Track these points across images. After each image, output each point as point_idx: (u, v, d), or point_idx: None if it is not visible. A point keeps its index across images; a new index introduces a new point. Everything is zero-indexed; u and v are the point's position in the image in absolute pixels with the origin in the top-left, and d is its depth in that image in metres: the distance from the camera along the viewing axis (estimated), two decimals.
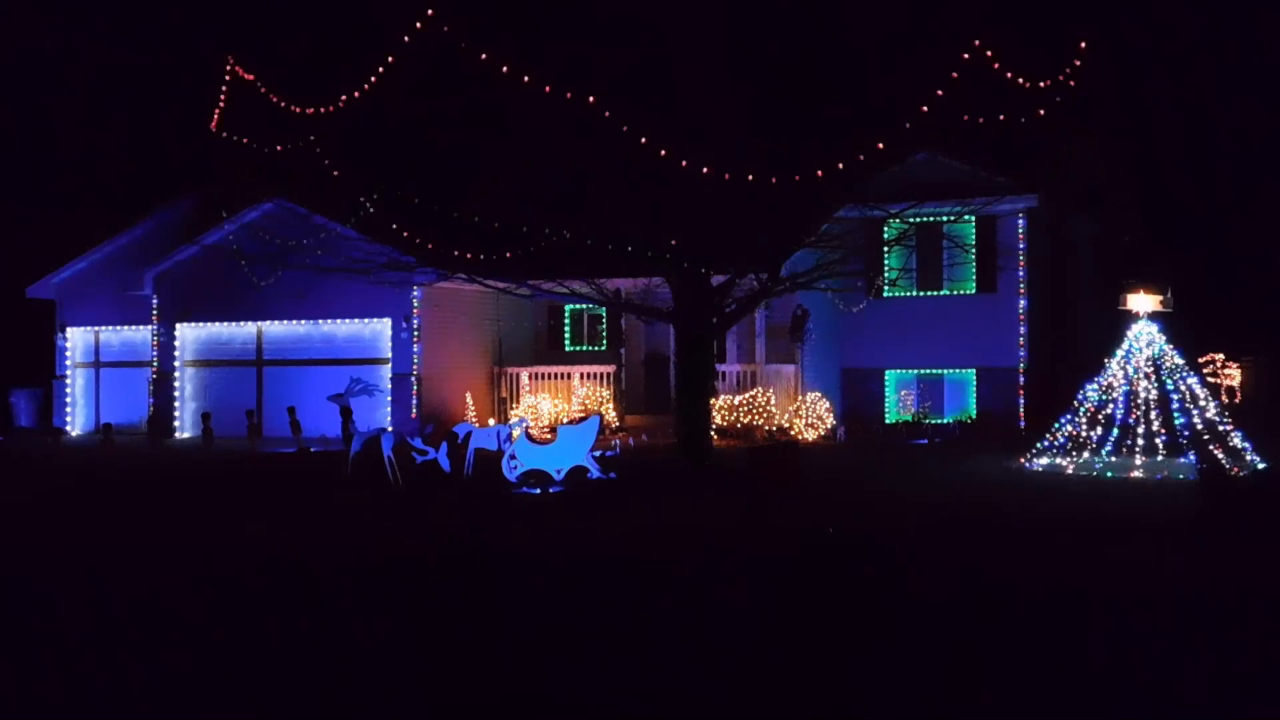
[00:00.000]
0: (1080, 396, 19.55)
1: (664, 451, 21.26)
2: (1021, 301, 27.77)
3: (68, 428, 30.29)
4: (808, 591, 10.23)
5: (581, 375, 27.14)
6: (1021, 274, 27.67)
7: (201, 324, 28.35)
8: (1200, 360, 32.30)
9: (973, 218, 26.35)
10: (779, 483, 15.88)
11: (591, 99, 16.73)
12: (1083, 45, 17.07)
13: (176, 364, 28.37)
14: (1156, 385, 18.89)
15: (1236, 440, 18.53)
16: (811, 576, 10.82)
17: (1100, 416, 19.25)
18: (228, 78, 18.52)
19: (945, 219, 26.22)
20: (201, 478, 19.58)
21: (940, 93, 17.01)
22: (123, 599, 10.28)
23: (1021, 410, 27.33)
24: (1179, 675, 7.73)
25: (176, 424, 28.07)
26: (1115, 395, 19.11)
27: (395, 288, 22.95)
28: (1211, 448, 17.88)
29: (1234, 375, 34.75)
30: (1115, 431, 19.03)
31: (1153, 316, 19.44)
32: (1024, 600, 9.71)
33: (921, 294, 28.64)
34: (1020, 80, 16.87)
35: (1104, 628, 8.93)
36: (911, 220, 23.61)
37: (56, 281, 30.73)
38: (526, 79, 16.70)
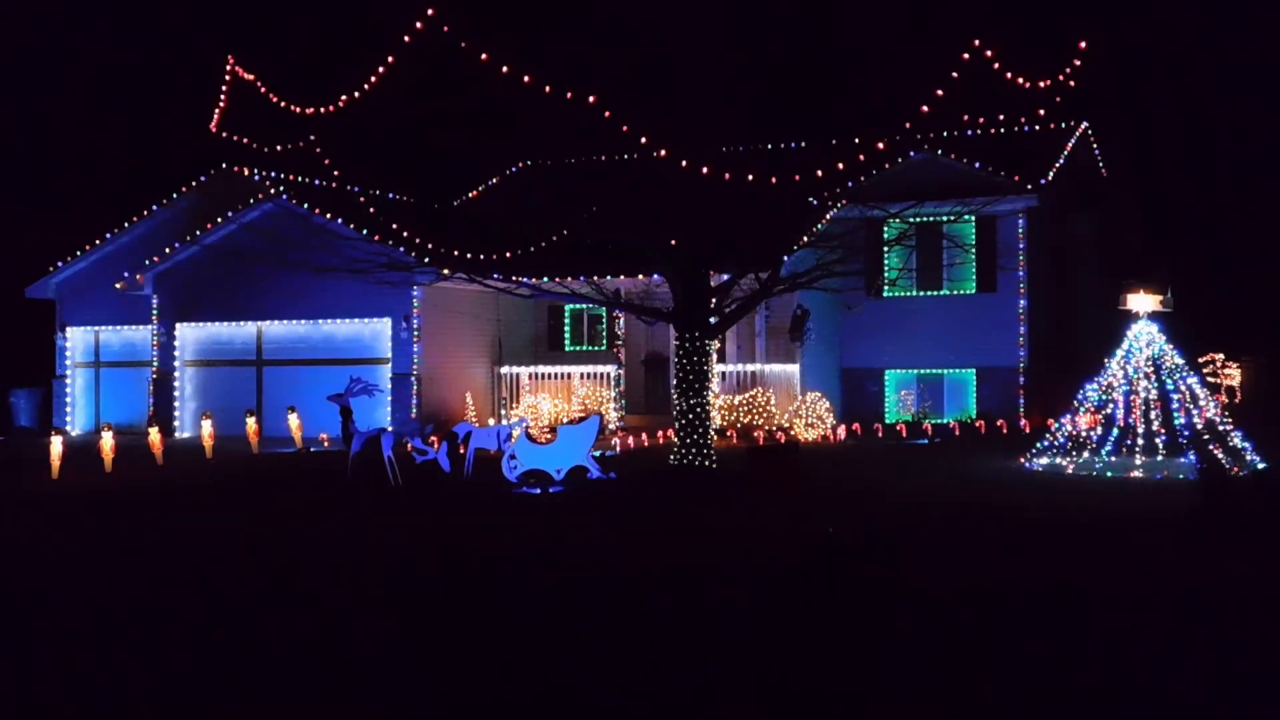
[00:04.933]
0: (1080, 396, 19.55)
1: (664, 451, 21.26)
2: (1021, 301, 27.76)
3: (68, 428, 30.28)
4: (808, 591, 10.23)
5: (581, 375, 27.14)
6: (1021, 274, 27.67)
7: (201, 324, 28.33)
8: (1200, 360, 32.28)
9: (973, 218, 26.36)
10: (779, 483, 15.88)
11: (591, 99, 16.72)
12: (1083, 45, 17.06)
13: (176, 364, 28.36)
14: (1156, 385, 18.89)
15: (1236, 440, 18.53)
16: (811, 576, 10.82)
17: (1100, 416, 19.25)
18: (228, 78, 18.53)
19: (945, 219, 26.22)
20: (201, 478, 19.57)
21: (940, 93, 17.01)
22: (123, 599, 10.28)
23: (1021, 410, 27.32)
24: (1179, 675, 7.74)
25: (176, 424, 28.06)
26: (1115, 395, 19.11)
27: (395, 288, 22.94)
28: (1211, 448, 17.88)
29: (1234, 375, 34.73)
30: (1115, 431, 19.03)
31: (1153, 316, 19.44)
32: (1024, 600, 9.71)
33: (921, 294, 28.64)
34: (1020, 80, 16.86)
35: (1104, 628, 8.94)
36: (911, 220, 23.62)
37: (56, 281, 30.70)
38: (526, 79, 16.70)
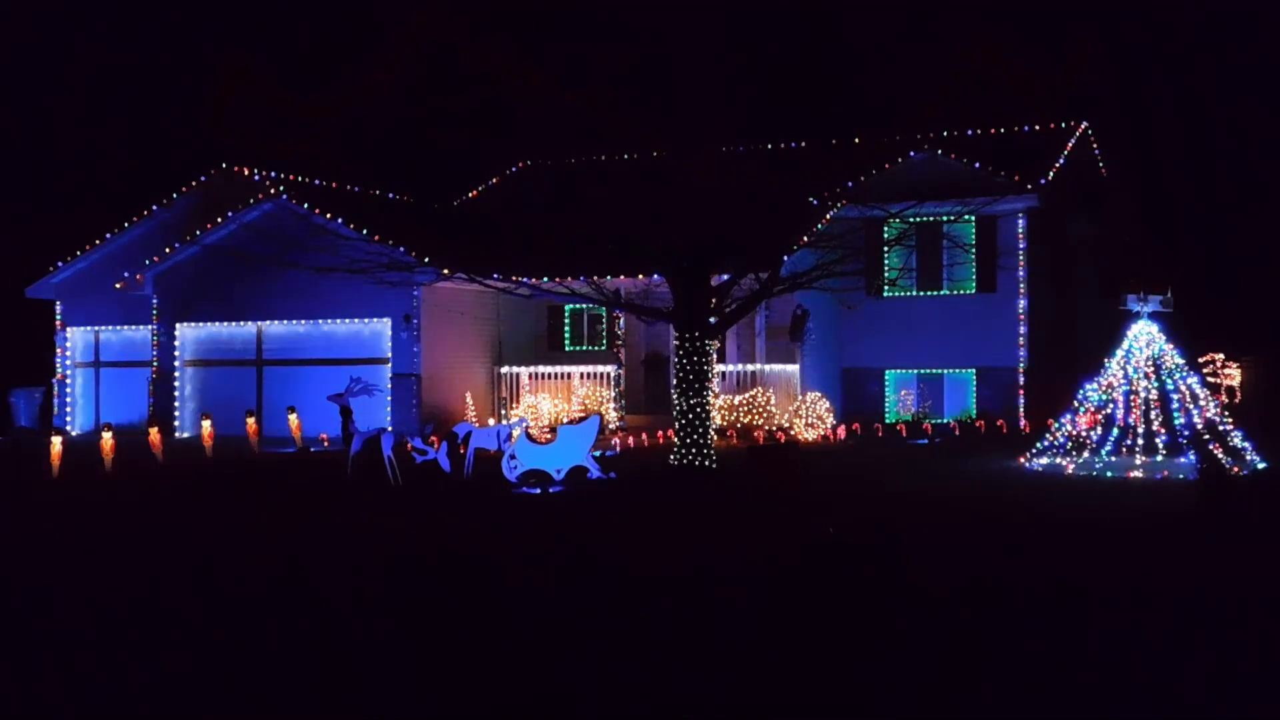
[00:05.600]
0: (1080, 396, 19.56)
1: (664, 451, 21.26)
2: (1021, 301, 27.77)
3: (68, 427, 30.27)
4: (807, 591, 10.23)
5: (581, 375, 27.14)
6: (1021, 274, 27.68)
7: (201, 324, 28.33)
8: (1200, 360, 32.28)
9: (973, 218, 26.36)
10: (779, 482, 15.88)
11: (591, 99, 16.73)
12: (1083, 45, 17.06)
13: (176, 364, 28.37)
14: (1156, 385, 18.89)
15: (1236, 440, 18.53)
16: (811, 576, 10.82)
17: (1100, 416, 19.25)
18: (228, 78, 18.51)
19: (945, 219, 26.22)
20: (201, 478, 19.57)
21: (940, 93, 17.00)
22: (123, 599, 10.28)
23: (1021, 410, 27.32)
24: (1179, 675, 7.74)
25: (176, 424, 28.06)
26: (1115, 395, 19.11)
27: (395, 288, 22.94)
28: (1211, 447, 17.88)
29: (1234, 375, 34.73)
30: (1115, 431, 19.04)
31: (1153, 316, 19.44)
32: (1024, 600, 9.71)
33: (921, 294, 28.64)
34: (1020, 80, 16.86)
35: (1104, 628, 8.94)
36: (911, 220, 23.62)
37: (56, 281, 30.69)
38: (526, 79, 16.70)
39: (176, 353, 28.39)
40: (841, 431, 25.82)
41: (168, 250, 27.96)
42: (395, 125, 19.39)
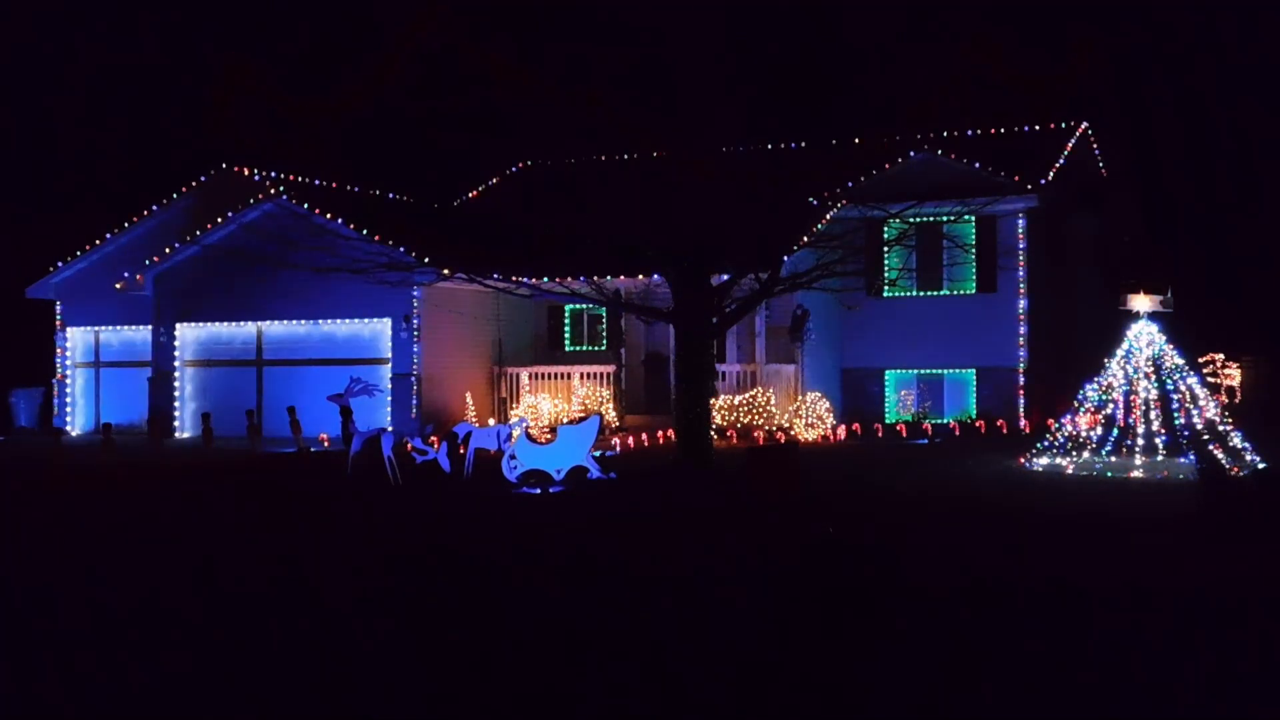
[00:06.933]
0: (1080, 396, 19.56)
1: (664, 451, 21.26)
2: (1021, 301, 27.76)
3: (68, 428, 30.27)
4: (808, 591, 10.23)
5: (581, 375, 27.13)
6: (1021, 274, 27.68)
7: (201, 324, 28.32)
8: (1200, 360, 32.30)
9: (973, 218, 26.35)
10: (779, 483, 15.87)
11: (591, 99, 16.73)
12: (1085, 45, 17.05)
13: (176, 364, 28.35)
14: (1156, 385, 18.89)
15: (1236, 440, 18.53)
16: (811, 576, 10.82)
17: (1100, 416, 19.26)
18: (228, 78, 18.50)
19: (945, 219, 26.21)
20: (202, 478, 19.57)
21: (940, 93, 17.01)
22: (123, 599, 10.29)
23: (1021, 410, 27.32)
24: (1179, 675, 7.74)
25: (176, 424, 28.04)
26: (1115, 395, 19.11)
27: (395, 288, 22.93)
28: (1211, 448, 17.87)
29: (1234, 375, 34.74)
30: (1115, 431, 19.03)
31: (1153, 316, 19.44)
32: (1024, 600, 9.71)
33: (921, 294, 28.63)
34: (1020, 80, 16.85)
35: (1104, 628, 8.94)
36: (911, 220, 23.60)
37: (56, 281, 30.69)
38: (526, 79, 16.71)
39: (176, 353, 28.38)
40: (841, 432, 25.81)
41: (168, 250, 27.95)
42: (395, 125, 19.40)
